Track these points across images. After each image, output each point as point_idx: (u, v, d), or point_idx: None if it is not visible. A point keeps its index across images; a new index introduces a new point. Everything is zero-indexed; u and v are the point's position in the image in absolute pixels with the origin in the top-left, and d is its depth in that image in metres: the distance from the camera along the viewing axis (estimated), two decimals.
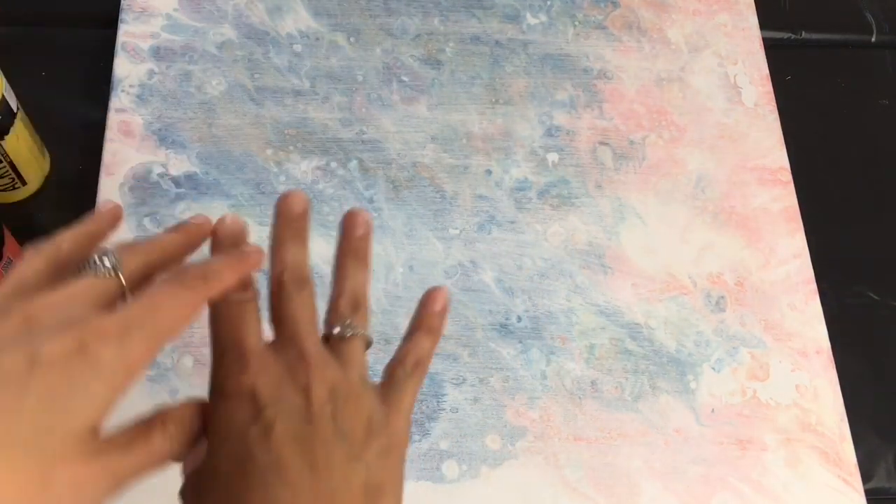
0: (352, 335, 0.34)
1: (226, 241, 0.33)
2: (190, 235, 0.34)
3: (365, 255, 0.36)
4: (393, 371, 0.35)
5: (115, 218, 0.34)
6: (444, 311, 0.37)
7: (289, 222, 0.34)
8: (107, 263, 0.29)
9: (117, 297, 0.30)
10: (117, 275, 0.29)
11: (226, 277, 0.31)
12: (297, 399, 0.31)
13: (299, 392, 0.31)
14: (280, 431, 0.30)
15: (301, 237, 0.35)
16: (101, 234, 0.33)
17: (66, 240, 0.31)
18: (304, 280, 0.34)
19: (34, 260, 0.30)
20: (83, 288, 0.29)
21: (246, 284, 0.33)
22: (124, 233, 0.55)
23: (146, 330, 0.27)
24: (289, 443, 0.30)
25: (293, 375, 0.31)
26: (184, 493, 0.32)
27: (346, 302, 0.35)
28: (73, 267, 0.30)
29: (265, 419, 0.30)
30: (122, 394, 0.27)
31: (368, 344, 0.35)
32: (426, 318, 0.37)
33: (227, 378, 0.31)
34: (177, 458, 0.31)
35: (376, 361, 0.53)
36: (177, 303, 0.29)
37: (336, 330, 0.34)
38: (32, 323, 0.27)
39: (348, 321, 0.34)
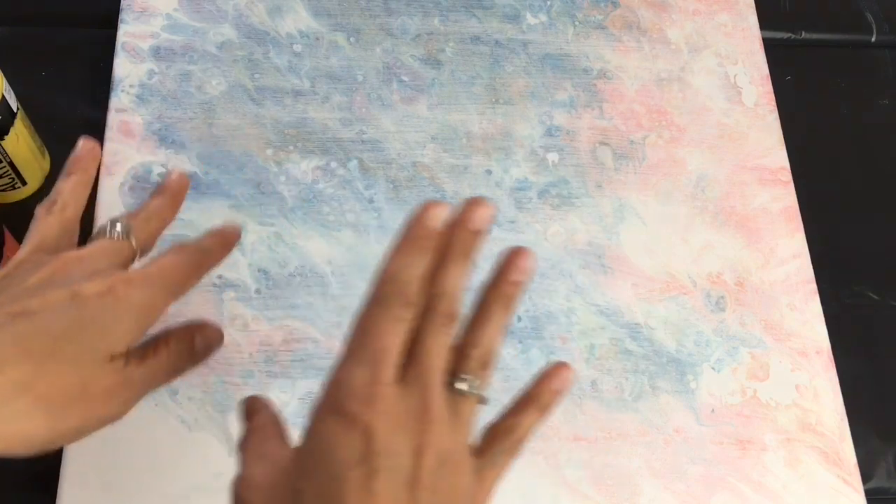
0: (473, 395, 0.32)
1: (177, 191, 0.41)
2: (176, 199, 0.40)
3: (514, 306, 0.34)
4: (492, 442, 0.33)
5: (95, 158, 0.40)
6: (562, 391, 0.34)
7: (462, 237, 0.32)
8: (119, 230, 0.36)
9: (130, 260, 0.36)
10: (129, 240, 0.36)
11: (217, 255, 0.38)
12: (407, 458, 0.29)
13: (411, 451, 0.29)
14: (382, 487, 0.28)
15: (469, 258, 0.32)
16: (90, 182, 0.39)
17: (69, 201, 0.37)
18: (455, 317, 0.32)
19: (49, 221, 0.36)
20: (103, 248, 0.35)
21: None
22: None
23: (163, 284, 0.34)
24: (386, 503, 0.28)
25: (411, 429, 0.30)
26: (243, 497, 0.31)
27: (480, 355, 0.32)
28: (80, 230, 0.37)
29: (372, 466, 0.29)
30: (145, 330, 0.34)
31: (483, 404, 0.33)
32: (543, 393, 0.34)
33: (349, 399, 0.30)
34: (180, 373, 0.36)
35: None
36: (184, 268, 0.35)
37: (461, 385, 0.32)
38: (68, 270, 0.33)
39: (476, 380, 0.32)
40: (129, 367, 0.33)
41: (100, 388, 0.32)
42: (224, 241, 0.39)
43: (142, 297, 0.33)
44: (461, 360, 0.32)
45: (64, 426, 0.32)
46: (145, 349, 0.35)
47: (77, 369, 0.32)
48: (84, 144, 0.40)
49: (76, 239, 0.37)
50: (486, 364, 0.33)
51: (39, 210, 0.37)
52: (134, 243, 0.36)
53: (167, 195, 0.40)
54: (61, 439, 0.32)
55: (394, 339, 0.30)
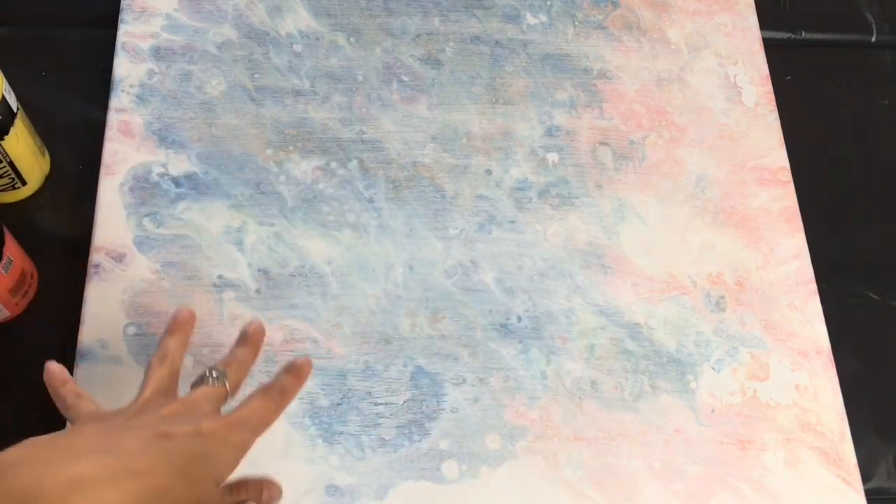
0: None
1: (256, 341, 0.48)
2: (257, 346, 0.47)
3: None
4: None
5: (193, 322, 0.47)
6: None
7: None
8: (216, 377, 0.44)
9: (224, 401, 0.44)
10: (224, 385, 0.44)
11: (294, 390, 0.44)
12: None
13: None
14: None
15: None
16: (189, 339, 0.47)
17: (175, 356, 0.45)
18: None
19: (163, 371, 0.44)
20: (206, 394, 0.43)
21: None
22: (124, 232, 0.55)
23: (254, 426, 0.42)
24: None
25: None
26: None
27: None
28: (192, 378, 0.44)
29: None
30: (239, 462, 0.41)
31: None
32: None
33: None
34: None
35: (376, 361, 0.54)
36: (267, 410, 0.43)
37: None
38: (187, 411, 0.41)
39: None
40: (224, 499, 0.42)
41: None
42: (299, 376, 0.45)
43: (240, 438, 0.41)
44: None
45: None
46: (232, 490, 0.43)
47: (197, 489, 0.39)
48: (184, 313, 0.47)
49: (178, 381, 0.45)
50: None
51: (153, 361, 0.44)
52: (228, 387, 0.44)
53: (249, 345, 0.47)
54: None
55: None
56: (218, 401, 0.44)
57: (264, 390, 0.44)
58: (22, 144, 0.54)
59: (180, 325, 0.47)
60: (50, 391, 0.44)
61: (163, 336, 0.47)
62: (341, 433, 0.52)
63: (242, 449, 0.41)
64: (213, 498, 0.40)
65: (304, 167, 0.59)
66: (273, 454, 0.50)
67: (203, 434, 0.40)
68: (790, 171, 0.62)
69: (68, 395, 0.44)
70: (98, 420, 0.41)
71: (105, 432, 0.39)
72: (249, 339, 0.47)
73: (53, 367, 0.45)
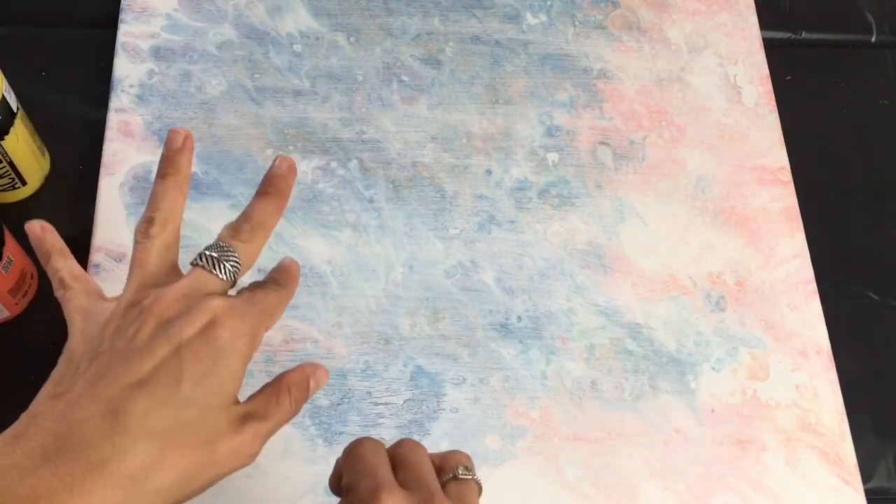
0: (467, 478, 0.35)
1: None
2: (283, 196, 0.37)
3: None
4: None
5: (190, 150, 0.37)
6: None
7: None
8: (228, 267, 0.35)
9: (229, 286, 0.35)
10: (232, 279, 0.35)
11: (290, 287, 0.37)
12: None
13: None
14: None
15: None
16: (187, 183, 0.37)
17: (167, 216, 0.35)
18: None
19: (148, 248, 0.35)
20: (201, 281, 0.34)
21: None
22: (124, 232, 0.55)
23: (258, 311, 0.34)
24: None
25: None
26: None
27: (458, 460, 0.36)
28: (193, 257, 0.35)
29: None
30: (250, 359, 0.33)
31: (480, 490, 0.35)
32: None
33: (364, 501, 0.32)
34: (297, 415, 0.36)
35: (376, 361, 0.54)
36: (270, 298, 0.35)
37: (455, 474, 0.35)
38: (168, 315, 0.32)
39: (462, 467, 0.35)
40: (252, 420, 0.33)
41: (226, 448, 0.32)
42: (291, 275, 0.38)
43: (242, 326, 0.33)
44: (443, 462, 0.35)
45: (197, 487, 0.32)
46: (268, 403, 0.35)
47: (201, 435, 0.31)
48: (176, 136, 0.37)
49: (178, 255, 0.36)
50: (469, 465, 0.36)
51: (137, 233, 0.35)
52: (235, 281, 0.36)
53: (273, 195, 0.37)
54: (194, 496, 0.32)
55: (380, 463, 0.34)
56: (216, 292, 0.35)
57: (257, 282, 0.37)
58: (22, 144, 0.54)
59: (171, 160, 0.37)
60: (40, 260, 0.37)
61: (154, 184, 0.37)
62: (341, 433, 0.52)
63: (249, 340, 0.33)
64: (228, 426, 0.32)
65: (304, 167, 0.59)
66: (273, 454, 0.50)
67: (185, 348, 0.31)
68: (790, 171, 0.63)
69: (61, 272, 0.36)
70: (71, 360, 0.33)
71: (62, 404, 0.31)
72: (273, 186, 0.37)
73: (35, 228, 0.37)
